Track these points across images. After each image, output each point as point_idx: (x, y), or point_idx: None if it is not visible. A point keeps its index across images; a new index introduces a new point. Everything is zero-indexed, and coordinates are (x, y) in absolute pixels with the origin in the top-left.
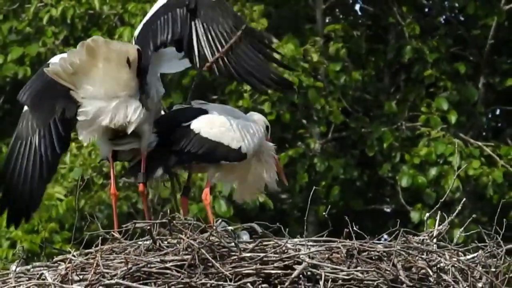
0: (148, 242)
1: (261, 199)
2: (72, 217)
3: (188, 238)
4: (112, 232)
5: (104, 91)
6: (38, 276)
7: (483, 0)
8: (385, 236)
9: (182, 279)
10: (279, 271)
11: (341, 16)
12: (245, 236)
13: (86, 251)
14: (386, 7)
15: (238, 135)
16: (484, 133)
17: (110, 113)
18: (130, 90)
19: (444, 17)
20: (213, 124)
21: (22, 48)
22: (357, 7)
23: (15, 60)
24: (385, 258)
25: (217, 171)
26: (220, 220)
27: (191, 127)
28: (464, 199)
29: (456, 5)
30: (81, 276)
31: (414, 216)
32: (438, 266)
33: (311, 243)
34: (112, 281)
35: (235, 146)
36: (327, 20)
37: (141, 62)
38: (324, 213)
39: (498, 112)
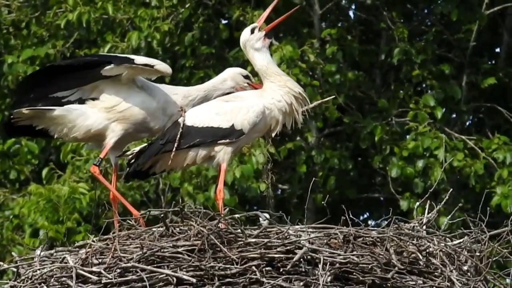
0: (161, 229)
1: (262, 188)
2: (91, 206)
3: (198, 225)
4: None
5: None
6: (60, 259)
7: (465, 7)
8: (373, 223)
9: (193, 262)
10: (281, 255)
11: (338, 23)
12: (261, 218)
13: (105, 237)
14: (378, 12)
15: (228, 116)
16: (467, 127)
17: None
18: None
19: (430, 22)
20: (198, 112)
21: (31, 49)
22: (351, 12)
23: (25, 60)
24: (378, 244)
25: (226, 153)
26: (227, 209)
27: (178, 120)
28: (451, 189)
29: (442, 12)
30: (100, 260)
31: (403, 204)
32: (427, 250)
33: (311, 230)
34: (129, 265)
35: (227, 126)
36: (323, 25)
37: None
38: (322, 202)
39: (480, 108)
